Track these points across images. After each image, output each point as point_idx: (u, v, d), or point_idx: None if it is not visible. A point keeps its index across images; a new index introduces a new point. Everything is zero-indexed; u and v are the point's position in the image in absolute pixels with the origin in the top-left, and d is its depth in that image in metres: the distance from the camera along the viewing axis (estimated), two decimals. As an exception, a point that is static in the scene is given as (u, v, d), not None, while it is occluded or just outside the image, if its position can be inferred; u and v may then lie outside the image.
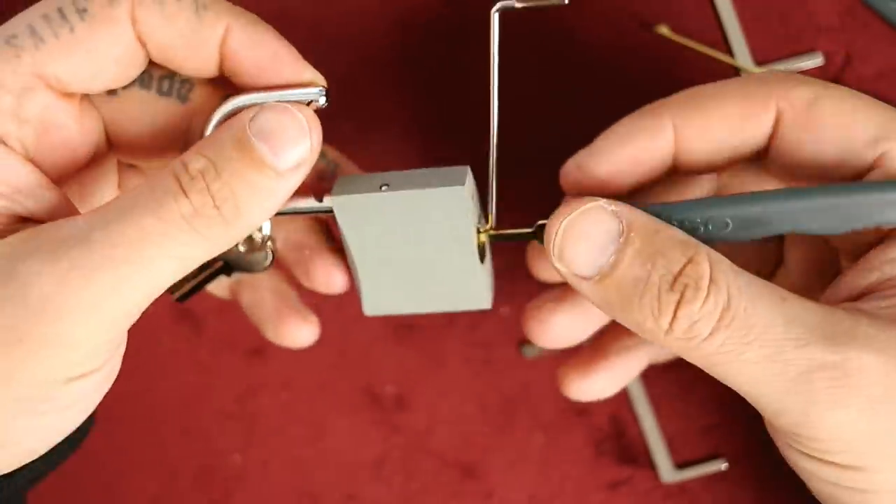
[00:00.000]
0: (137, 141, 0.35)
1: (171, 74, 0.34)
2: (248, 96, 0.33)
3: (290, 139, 0.31)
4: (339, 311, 0.41)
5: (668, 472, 0.40)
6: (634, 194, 0.34)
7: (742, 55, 0.41)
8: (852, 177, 0.31)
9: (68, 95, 0.32)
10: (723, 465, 0.41)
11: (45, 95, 0.31)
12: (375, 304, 0.33)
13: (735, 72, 0.41)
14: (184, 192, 0.29)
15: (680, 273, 0.28)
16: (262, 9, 0.42)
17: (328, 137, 0.42)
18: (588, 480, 0.41)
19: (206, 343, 0.44)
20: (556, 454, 0.41)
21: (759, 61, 0.41)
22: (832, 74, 0.41)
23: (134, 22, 0.31)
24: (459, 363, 0.42)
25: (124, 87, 0.34)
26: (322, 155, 0.36)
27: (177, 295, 0.36)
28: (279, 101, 0.32)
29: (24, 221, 0.30)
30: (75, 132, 0.33)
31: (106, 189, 0.35)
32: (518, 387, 0.41)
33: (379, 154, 0.42)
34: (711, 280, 0.28)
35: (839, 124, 0.31)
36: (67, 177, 0.33)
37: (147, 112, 0.34)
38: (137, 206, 0.28)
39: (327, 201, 0.33)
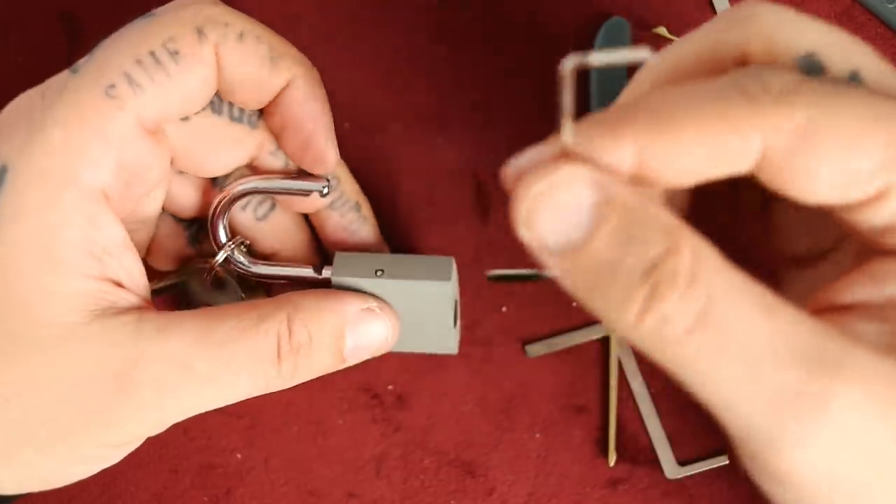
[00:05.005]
0: (204, 161, 0.36)
1: None
2: (257, 182, 0.36)
3: (373, 349, 0.35)
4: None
5: (671, 469, 0.40)
6: None
7: (740, 56, 0.41)
8: (847, 208, 0.27)
9: (153, 132, 0.33)
10: (725, 460, 0.41)
11: (143, 142, 0.32)
12: None
13: (733, 72, 0.41)
14: (279, 359, 0.32)
15: (657, 262, 0.24)
16: (266, 10, 0.42)
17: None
18: (588, 478, 0.41)
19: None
20: (555, 452, 0.41)
21: (757, 62, 0.42)
22: (829, 75, 0.42)
23: (216, 58, 0.33)
24: (459, 361, 0.42)
25: (196, 113, 0.35)
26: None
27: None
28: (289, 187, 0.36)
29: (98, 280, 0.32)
30: (156, 169, 0.34)
31: (151, 204, 0.36)
32: (518, 385, 0.42)
33: (379, 154, 0.42)
34: (692, 276, 0.24)
35: (838, 153, 0.25)
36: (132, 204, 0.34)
37: (218, 136, 0.36)
38: (235, 364, 0.32)
39: (327, 273, 0.36)
